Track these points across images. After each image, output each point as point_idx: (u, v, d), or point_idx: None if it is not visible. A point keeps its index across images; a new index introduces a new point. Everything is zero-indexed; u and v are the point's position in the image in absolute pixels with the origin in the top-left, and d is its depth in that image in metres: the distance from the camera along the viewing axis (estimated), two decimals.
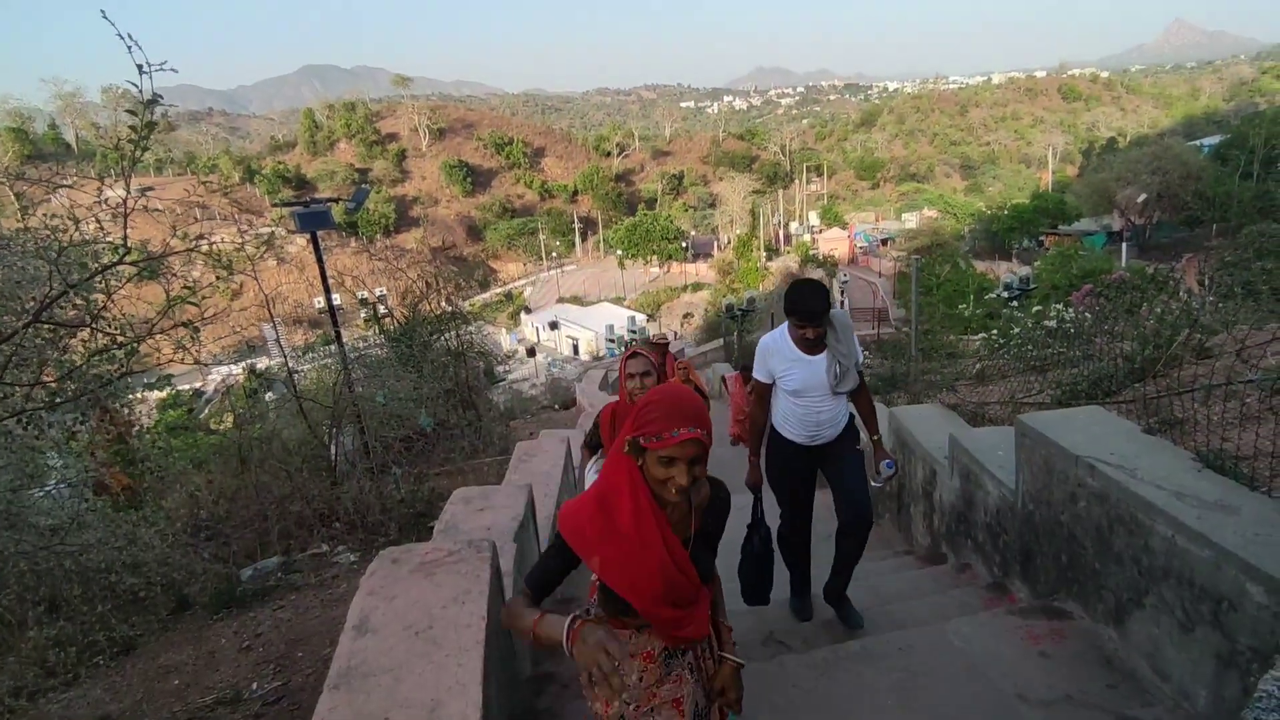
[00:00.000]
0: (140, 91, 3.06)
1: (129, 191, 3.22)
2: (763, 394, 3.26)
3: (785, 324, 3.12)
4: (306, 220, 6.66)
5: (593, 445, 3.63)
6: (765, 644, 3.03)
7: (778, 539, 3.38)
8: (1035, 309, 10.77)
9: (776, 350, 3.14)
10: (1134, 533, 2.47)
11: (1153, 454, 2.70)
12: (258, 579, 4.32)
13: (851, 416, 3.33)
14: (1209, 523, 2.19)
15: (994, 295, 22.73)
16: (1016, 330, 9.49)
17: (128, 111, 3.14)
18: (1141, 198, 38.37)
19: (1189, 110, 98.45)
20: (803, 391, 3.10)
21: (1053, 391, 6.27)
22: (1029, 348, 8.23)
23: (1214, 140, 51.65)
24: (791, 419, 3.21)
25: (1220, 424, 3.27)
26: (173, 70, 3.05)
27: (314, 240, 6.85)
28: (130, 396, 4.50)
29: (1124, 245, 36.50)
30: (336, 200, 7.84)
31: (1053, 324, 8.36)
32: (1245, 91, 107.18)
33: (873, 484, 3.32)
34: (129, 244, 3.32)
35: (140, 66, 3.01)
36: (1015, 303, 17.66)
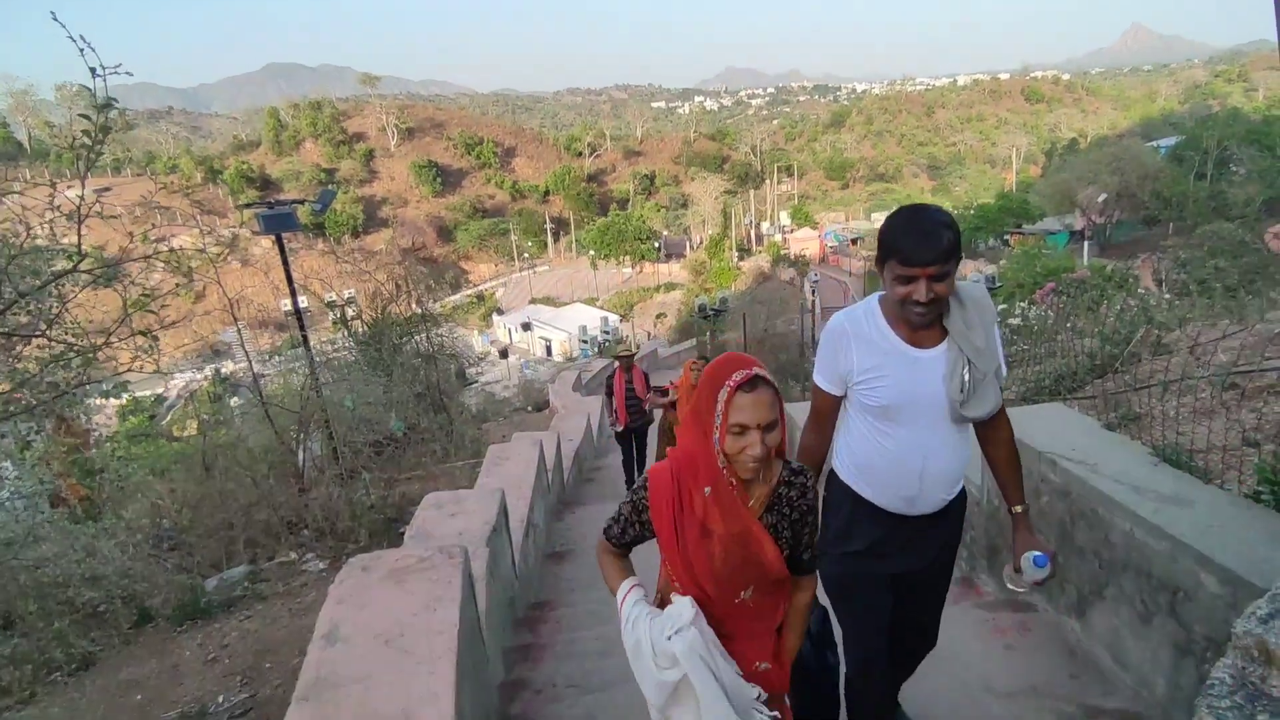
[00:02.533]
0: (94, 95, 2.97)
1: (82, 195, 3.12)
2: (826, 414, 2.00)
3: (869, 298, 1.91)
4: (271, 222, 6.54)
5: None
6: None
7: (845, 685, 2.13)
8: (1001, 307, 11.00)
9: (856, 336, 1.85)
10: (1094, 526, 2.53)
11: (1112, 449, 2.77)
12: (223, 589, 4.23)
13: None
14: (1165, 516, 2.25)
15: None
16: None
17: (81, 115, 3.05)
18: (1102, 197, 39.37)
19: (1146, 112, 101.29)
20: (899, 413, 1.83)
21: (1018, 388, 6.42)
22: None
23: (1170, 141, 53.17)
24: (873, 466, 1.93)
25: (1176, 419, 3.37)
26: (128, 74, 2.97)
27: (279, 242, 6.72)
28: (87, 403, 4.36)
29: (1085, 244, 37.41)
30: (302, 202, 7.70)
31: (1017, 322, 8.55)
32: (1199, 94, 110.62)
33: (1010, 586, 2.02)
34: (84, 250, 3.22)
35: (94, 70, 2.93)
36: None
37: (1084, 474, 2.58)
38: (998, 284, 20.81)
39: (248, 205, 7.23)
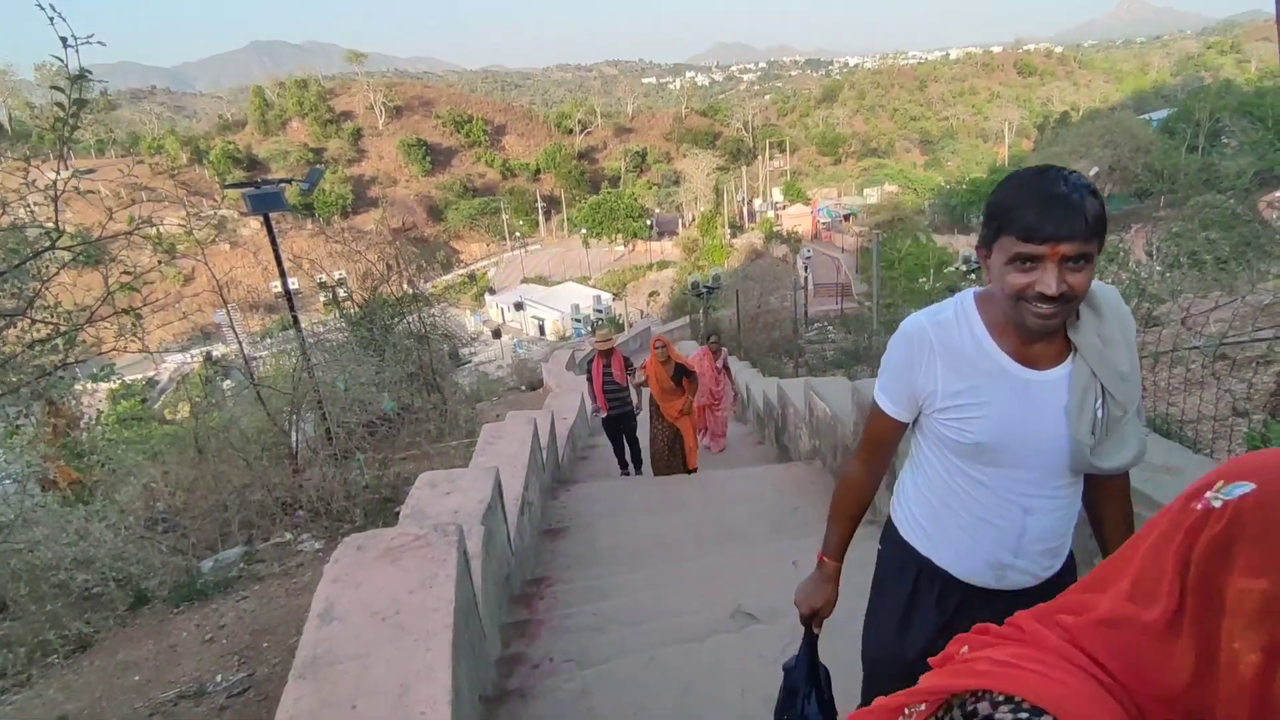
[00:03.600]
0: (67, 67, 2.89)
1: (59, 173, 3.06)
2: (883, 443, 1.55)
3: (962, 294, 1.42)
4: (258, 202, 6.44)
5: None
6: (733, 617, 3.07)
7: None
8: None
9: (944, 346, 1.38)
10: None
11: None
12: (219, 570, 4.23)
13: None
14: (1154, 485, 2.27)
15: (953, 269, 23.21)
16: None
17: (53, 88, 2.97)
18: (1094, 170, 39.40)
19: (1138, 85, 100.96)
20: (998, 455, 1.37)
21: None
22: None
23: (1162, 114, 53.10)
24: (952, 522, 1.47)
25: (1168, 389, 3.39)
26: (100, 44, 2.89)
27: (267, 223, 6.63)
28: (76, 387, 4.33)
29: None
30: (289, 181, 7.59)
31: None
32: (1191, 66, 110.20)
33: None
34: (62, 228, 3.16)
35: (65, 40, 2.85)
36: (974, 275, 18.05)
37: None
38: None
39: (233, 185, 7.12)
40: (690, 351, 9.41)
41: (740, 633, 2.83)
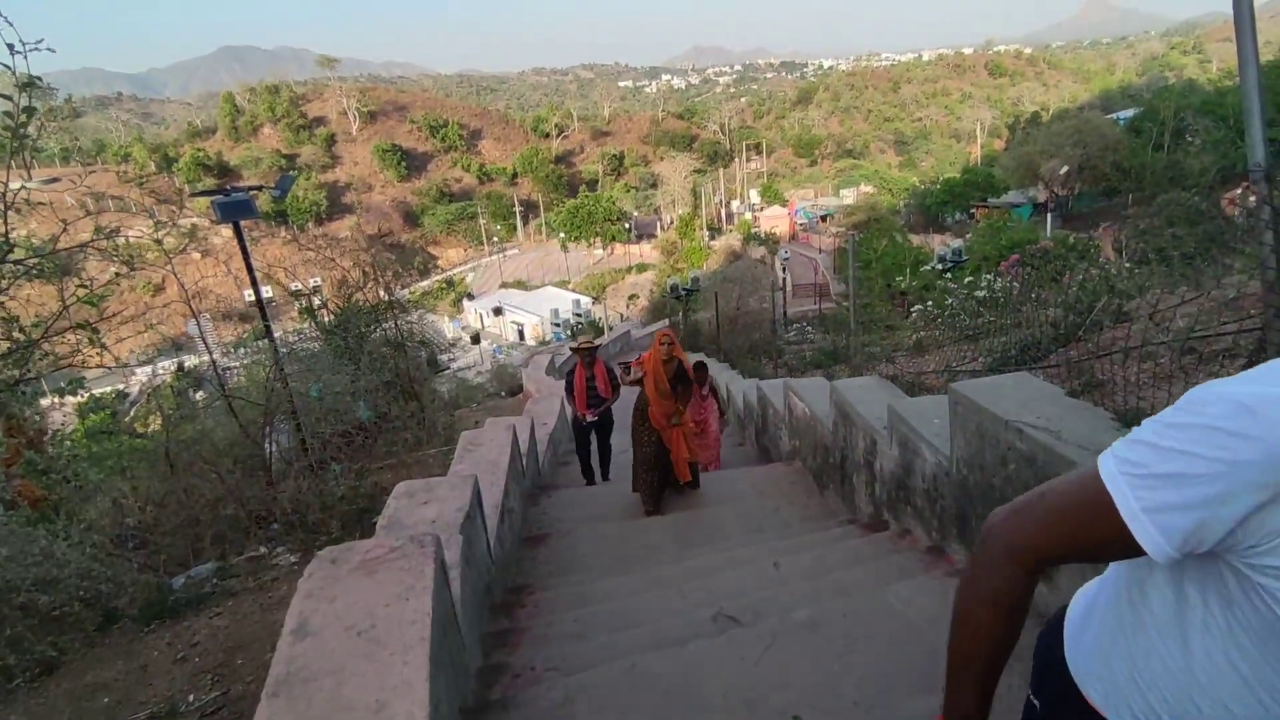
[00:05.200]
0: (13, 73, 2.81)
1: (6, 184, 2.96)
2: (1086, 556, 0.91)
3: None
4: (227, 210, 6.33)
5: None
6: (714, 620, 3.06)
7: None
8: (967, 280, 11.16)
9: None
10: None
11: (1076, 416, 2.82)
12: (191, 587, 4.14)
13: None
14: None
15: (929, 268, 23.49)
16: (950, 301, 9.81)
17: (1, 95, 2.89)
18: (1064, 169, 40.05)
19: (1106, 84, 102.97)
20: None
21: (985, 359, 6.53)
22: (962, 318, 8.54)
23: (1129, 113, 54.15)
24: None
25: (1137, 384, 3.44)
26: (50, 50, 2.81)
27: (237, 230, 6.52)
28: (43, 402, 4.20)
29: (1049, 216, 38.09)
30: (260, 188, 7.47)
31: (983, 294, 8.69)
32: (1156, 66, 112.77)
33: None
34: (12, 242, 3.06)
35: (12, 46, 2.76)
36: (949, 274, 18.28)
37: (1049, 440, 2.62)
38: (965, 257, 21.12)
39: (202, 193, 6.99)
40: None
41: (721, 636, 2.82)
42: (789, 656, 2.61)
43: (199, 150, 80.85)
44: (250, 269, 6.53)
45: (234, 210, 6.42)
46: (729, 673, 2.56)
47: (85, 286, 3.28)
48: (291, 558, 4.53)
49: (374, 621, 2.15)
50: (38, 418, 4.22)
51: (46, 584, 3.51)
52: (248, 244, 6.67)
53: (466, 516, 3.40)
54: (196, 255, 55.40)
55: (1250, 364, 3.36)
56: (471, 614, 3.18)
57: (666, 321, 27.38)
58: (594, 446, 7.09)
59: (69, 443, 5.83)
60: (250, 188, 6.81)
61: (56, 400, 5.42)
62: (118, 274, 3.75)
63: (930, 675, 2.44)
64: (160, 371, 8.12)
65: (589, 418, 6.73)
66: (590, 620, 3.47)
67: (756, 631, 2.80)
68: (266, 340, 6.83)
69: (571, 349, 7.25)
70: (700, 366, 7.54)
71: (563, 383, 8.09)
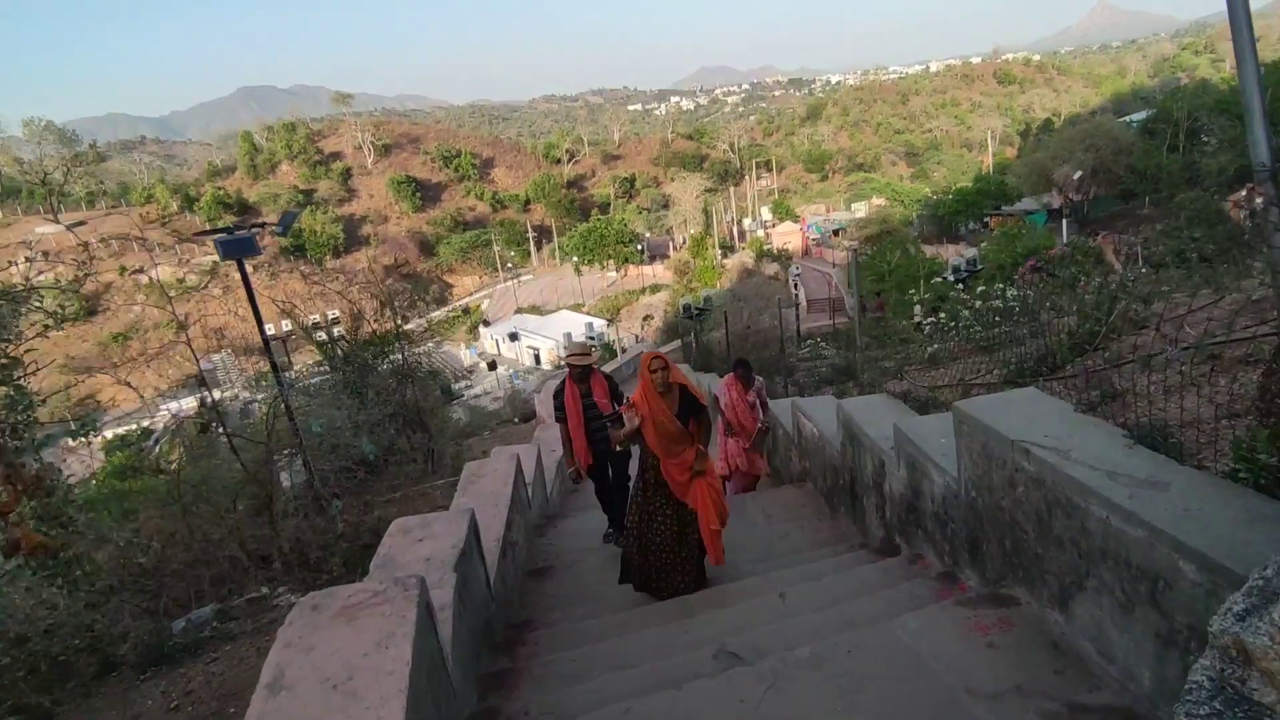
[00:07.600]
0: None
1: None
2: None
3: None
4: (230, 248, 6.38)
5: None
6: (716, 658, 2.94)
7: None
8: (980, 289, 10.98)
9: None
10: (1071, 515, 2.44)
11: (1085, 433, 2.68)
12: (191, 630, 4.08)
13: None
14: (1140, 501, 2.16)
15: (942, 279, 23.22)
16: (965, 312, 9.63)
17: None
18: (1077, 174, 39.61)
19: (1117, 88, 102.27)
20: None
21: (1000, 371, 6.36)
22: (976, 328, 8.37)
23: (1142, 115, 53.63)
24: None
25: (1155, 394, 3.29)
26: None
27: (240, 268, 6.57)
28: (36, 450, 4.20)
29: (1064, 222, 37.64)
30: (263, 225, 7.55)
31: (998, 303, 8.51)
32: (1167, 68, 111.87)
33: None
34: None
35: None
36: (963, 285, 18.04)
37: (1057, 461, 2.49)
38: (979, 267, 20.84)
39: (206, 232, 7.08)
40: (711, 387, 7.44)
41: (721, 675, 2.70)
42: (791, 698, 2.48)
43: (219, 189, 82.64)
44: (254, 305, 6.57)
45: (236, 248, 6.48)
46: (728, 717, 2.44)
47: (50, 322, 3.27)
48: (293, 598, 4.47)
49: (351, 673, 2.09)
50: (36, 463, 4.23)
51: (43, 632, 3.47)
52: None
53: (462, 553, 3.32)
54: (217, 292, 56.40)
55: (1269, 370, 3.20)
56: (466, 655, 3.09)
57: (679, 342, 27.26)
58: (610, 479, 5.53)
59: (77, 490, 5.84)
60: (253, 226, 6.88)
61: (69, 442, 5.45)
62: (55, 320, 3.73)
63: (938, 717, 2.31)
64: (180, 410, 8.18)
65: (585, 467, 5.28)
66: (589, 659, 3.36)
67: (758, 670, 2.68)
68: (285, 374, 6.84)
69: (564, 361, 5.94)
70: (742, 364, 6.45)
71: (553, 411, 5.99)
